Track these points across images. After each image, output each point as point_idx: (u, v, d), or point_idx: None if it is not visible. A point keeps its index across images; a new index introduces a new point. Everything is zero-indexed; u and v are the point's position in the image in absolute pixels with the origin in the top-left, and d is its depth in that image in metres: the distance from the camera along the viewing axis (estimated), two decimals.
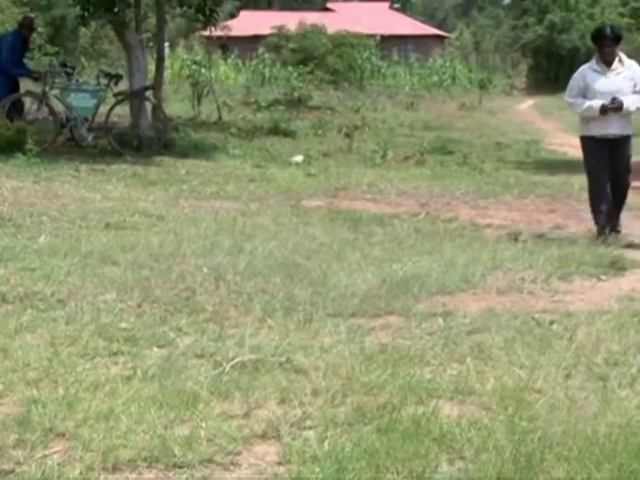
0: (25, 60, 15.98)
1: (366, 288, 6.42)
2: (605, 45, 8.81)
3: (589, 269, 7.50)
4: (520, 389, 4.44)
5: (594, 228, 8.98)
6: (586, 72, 8.96)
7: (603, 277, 7.35)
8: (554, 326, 5.64)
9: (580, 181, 11.58)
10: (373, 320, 5.73)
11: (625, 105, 8.72)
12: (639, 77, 8.85)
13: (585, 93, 8.87)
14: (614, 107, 8.67)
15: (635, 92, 8.81)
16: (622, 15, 54.96)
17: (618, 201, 9.01)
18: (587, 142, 9.03)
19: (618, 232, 8.94)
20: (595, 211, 9.02)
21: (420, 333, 5.43)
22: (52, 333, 5.15)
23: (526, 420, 4.05)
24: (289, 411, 4.13)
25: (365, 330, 5.45)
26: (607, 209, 8.86)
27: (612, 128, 8.84)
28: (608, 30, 8.89)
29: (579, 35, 54.44)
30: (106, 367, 4.67)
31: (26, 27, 15.49)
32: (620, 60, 8.87)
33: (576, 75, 9.06)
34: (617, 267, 7.69)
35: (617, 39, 8.89)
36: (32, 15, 18.64)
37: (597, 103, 8.74)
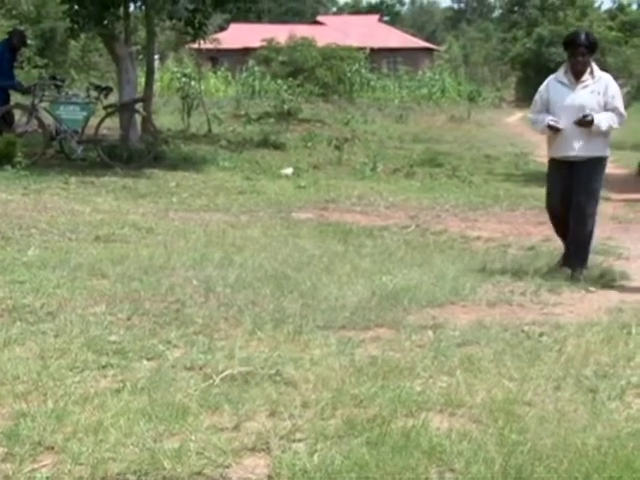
0: (14, 72, 15.97)
1: (356, 300, 6.41)
2: (577, 53, 7.67)
3: (578, 281, 7.52)
4: (510, 401, 4.45)
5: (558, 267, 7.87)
6: (551, 84, 7.87)
7: (592, 289, 7.37)
8: (543, 338, 5.65)
9: None
10: (363, 332, 5.72)
11: (595, 122, 7.57)
12: (611, 93, 7.72)
13: (548, 108, 7.81)
14: (582, 122, 7.57)
15: (608, 110, 7.68)
16: (611, 28, 55.28)
17: (577, 238, 7.70)
18: (549, 164, 8.02)
19: (578, 278, 7.55)
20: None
21: (410, 345, 5.43)
22: (41, 346, 5.14)
23: (516, 432, 4.05)
24: (279, 424, 4.12)
25: (355, 342, 5.45)
26: (565, 248, 7.83)
27: (574, 149, 7.67)
28: (582, 36, 7.77)
29: None
30: (95, 380, 4.66)
31: (16, 39, 15.49)
32: (591, 72, 7.74)
33: (541, 88, 7.99)
34: (606, 279, 7.72)
35: (592, 47, 7.76)
36: (22, 28, 18.62)
37: (548, 119, 7.69)
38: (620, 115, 7.72)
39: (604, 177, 7.92)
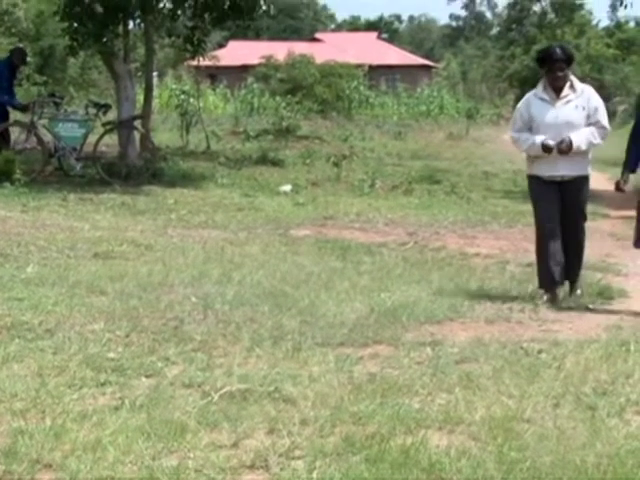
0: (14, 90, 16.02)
1: (354, 317, 6.41)
2: (555, 68, 7.34)
3: (581, 296, 7.52)
4: (509, 419, 4.44)
5: (538, 293, 7.48)
6: (531, 101, 7.55)
7: (591, 306, 7.37)
8: (542, 355, 5.65)
9: None
10: (362, 349, 5.72)
11: (575, 145, 7.29)
12: (594, 105, 7.42)
13: (531, 126, 7.47)
14: (562, 149, 7.29)
15: (590, 123, 7.38)
16: (608, 46, 55.47)
17: (573, 254, 7.59)
18: (533, 183, 7.63)
19: (577, 296, 7.51)
20: (541, 270, 7.55)
21: (409, 363, 5.43)
22: (39, 363, 5.13)
23: (515, 450, 4.05)
24: (277, 441, 4.11)
25: (353, 359, 5.44)
26: (557, 267, 7.46)
27: (562, 168, 7.41)
28: (558, 50, 7.44)
29: None
30: (94, 397, 4.65)
31: (16, 57, 15.54)
32: (572, 86, 7.42)
33: (520, 105, 7.72)
34: (605, 296, 7.71)
35: (569, 60, 7.46)
36: (22, 46, 18.68)
37: (541, 139, 7.37)
38: (602, 128, 7.42)
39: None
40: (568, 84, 7.41)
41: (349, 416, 4.43)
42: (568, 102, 7.38)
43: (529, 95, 7.62)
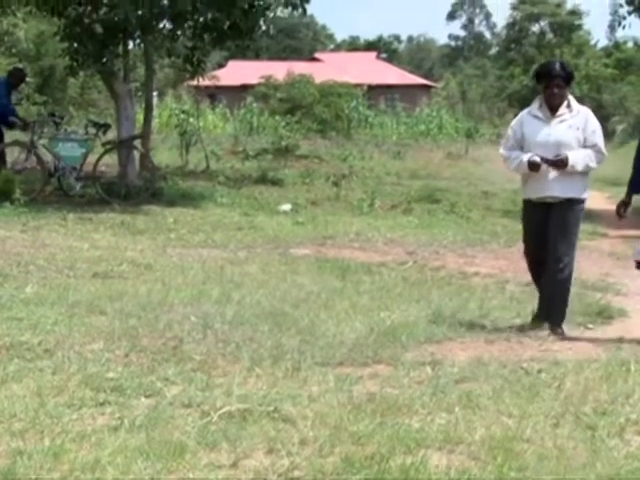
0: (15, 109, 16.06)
1: (354, 337, 6.41)
2: (553, 84, 6.99)
3: (577, 318, 7.52)
4: (509, 438, 4.43)
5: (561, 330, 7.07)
6: (525, 119, 7.21)
7: (590, 326, 7.37)
8: (542, 375, 5.64)
9: None
10: (361, 369, 5.71)
11: (571, 163, 6.93)
12: (591, 128, 7.07)
13: (522, 144, 7.13)
14: (555, 163, 6.93)
15: (586, 146, 7.03)
16: (607, 66, 55.67)
17: (552, 291, 7.08)
18: (524, 206, 7.34)
19: (558, 333, 6.96)
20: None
21: (408, 382, 5.42)
22: (38, 383, 5.12)
23: (515, 470, 4.03)
24: (277, 461, 4.10)
25: (353, 379, 5.43)
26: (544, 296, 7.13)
27: (552, 189, 7.02)
28: (557, 66, 7.10)
29: None
30: (93, 417, 4.64)
31: (14, 78, 15.60)
32: (568, 105, 7.08)
33: (514, 122, 7.36)
34: (604, 316, 7.71)
35: (568, 78, 7.10)
36: (21, 66, 18.73)
37: (527, 157, 7.01)
38: (599, 153, 7.08)
39: (581, 221, 7.28)
40: (565, 103, 7.07)
41: (349, 436, 4.42)
42: (562, 121, 7.04)
43: (523, 113, 7.30)
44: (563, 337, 6.87)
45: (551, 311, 7.06)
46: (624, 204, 7.13)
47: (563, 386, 5.34)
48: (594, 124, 7.13)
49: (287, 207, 15.47)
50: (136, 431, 4.42)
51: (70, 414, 4.64)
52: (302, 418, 4.65)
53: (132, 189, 15.05)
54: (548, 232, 7.03)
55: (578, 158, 6.98)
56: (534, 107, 7.18)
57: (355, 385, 5.33)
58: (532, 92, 52.15)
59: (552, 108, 7.07)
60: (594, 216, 12.96)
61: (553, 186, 7.02)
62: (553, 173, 6.99)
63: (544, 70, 7.16)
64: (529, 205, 7.23)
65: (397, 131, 42.41)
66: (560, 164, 6.95)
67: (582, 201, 7.14)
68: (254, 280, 8.68)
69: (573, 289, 8.63)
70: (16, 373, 5.31)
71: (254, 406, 4.79)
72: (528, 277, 9.47)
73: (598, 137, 7.10)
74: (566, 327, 7.08)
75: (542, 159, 6.94)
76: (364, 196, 16.80)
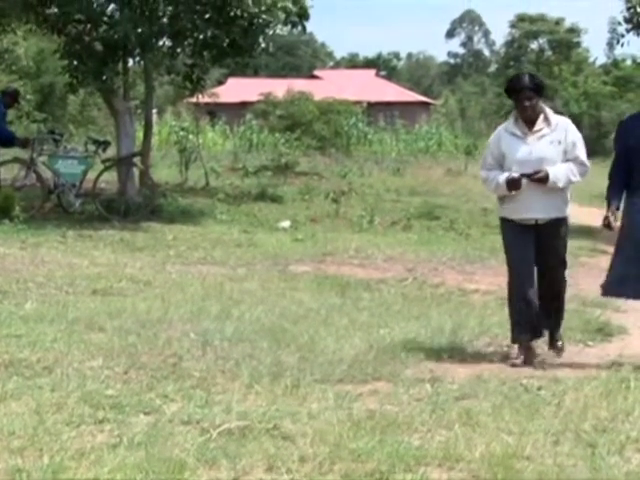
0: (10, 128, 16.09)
1: (354, 354, 6.40)
2: (522, 97, 6.61)
3: (576, 335, 7.51)
4: (508, 456, 4.42)
5: (511, 348, 6.87)
6: (502, 135, 6.80)
7: (590, 343, 7.36)
8: (542, 392, 5.63)
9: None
10: (361, 386, 5.71)
11: (551, 179, 6.57)
12: (572, 140, 6.71)
13: (502, 163, 6.73)
14: (536, 179, 6.57)
15: (568, 159, 6.68)
16: (605, 83, 55.80)
17: (550, 305, 6.86)
18: (505, 226, 6.87)
19: (558, 348, 6.90)
20: (513, 322, 6.82)
21: (408, 399, 5.41)
22: (37, 401, 5.11)
23: None
24: (276, 478, 4.09)
25: (353, 396, 5.43)
26: (531, 318, 6.74)
27: (535, 210, 6.66)
28: (526, 78, 6.71)
29: (563, 102, 55.14)
30: (92, 435, 4.63)
31: (8, 98, 15.63)
32: (546, 118, 6.70)
33: (491, 140, 6.94)
34: (604, 333, 7.70)
35: (538, 90, 6.70)
36: (15, 86, 18.80)
37: (504, 177, 6.64)
38: (582, 165, 6.71)
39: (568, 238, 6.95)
40: (541, 117, 6.69)
41: (348, 453, 4.41)
42: (542, 137, 6.65)
43: (499, 129, 6.89)
44: (563, 350, 6.89)
45: (548, 323, 6.90)
46: (609, 217, 6.74)
47: (563, 403, 5.33)
48: (574, 135, 6.77)
49: (286, 224, 15.47)
50: (135, 448, 4.41)
51: (69, 431, 4.63)
52: (302, 435, 4.64)
53: (132, 206, 15.06)
54: (537, 254, 6.73)
55: (559, 174, 6.61)
56: (510, 123, 6.80)
57: (355, 402, 5.32)
58: None
59: (528, 123, 6.69)
60: (594, 233, 12.95)
61: (534, 206, 6.64)
62: (535, 193, 6.58)
63: (512, 84, 6.80)
64: (509, 224, 6.80)
65: (396, 148, 42.45)
66: (540, 181, 6.57)
67: (567, 218, 6.83)
68: (253, 297, 8.68)
69: (572, 306, 8.66)
70: (15, 390, 5.30)
71: (253, 423, 4.78)
72: None
73: (579, 149, 6.74)
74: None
75: (521, 175, 6.58)
76: (363, 213, 16.80)
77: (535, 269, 6.84)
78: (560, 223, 6.76)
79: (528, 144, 6.66)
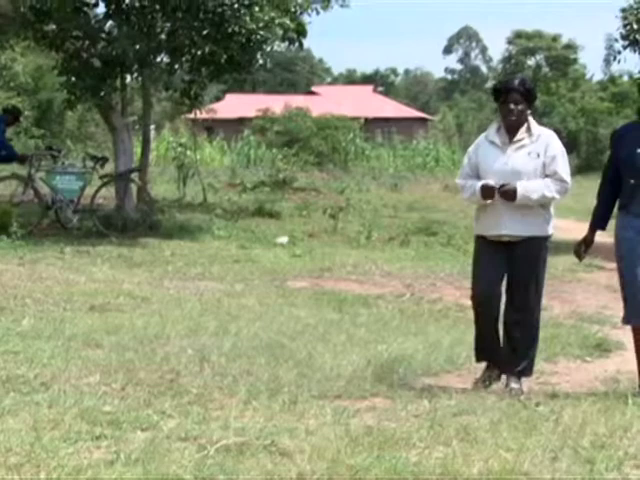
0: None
1: (351, 370, 6.39)
2: (509, 99, 6.15)
3: (574, 350, 7.52)
4: (507, 472, 4.41)
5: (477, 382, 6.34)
6: (481, 144, 6.38)
7: (588, 359, 7.36)
8: (540, 408, 5.62)
9: (563, 262, 11.63)
10: (358, 402, 5.70)
11: (520, 193, 6.05)
12: (552, 153, 6.15)
13: (478, 173, 6.29)
14: (501, 192, 6.09)
15: (546, 175, 6.14)
16: (602, 99, 55.97)
17: (517, 342, 6.17)
18: (477, 243, 6.44)
19: (512, 388, 6.12)
20: (477, 346, 6.41)
21: (406, 415, 5.40)
22: (34, 417, 5.10)
23: None
24: None
25: (350, 412, 5.41)
26: (494, 347, 6.25)
27: (508, 226, 6.13)
28: (516, 81, 6.23)
29: (560, 119, 55.31)
30: (89, 451, 4.61)
31: (10, 114, 15.67)
32: (528, 129, 6.21)
33: (470, 149, 6.52)
34: (602, 349, 7.71)
35: (527, 95, 6.21)
36: (16, 105, 18.85)
37: (480, 184, 6.19)
38: (561, 182, 6.16)
39: (547, 262, 6.35)
40: (524, 127, 6.20)
41: (346, 469, 4.39)
42: (521, 147, 6.18)
43: (480, 138, 6.48)
44: (520, 394, 6.00)
45: (511, 365, 6.17)
46: (585, 243, 6.27)
47: (561, 419, 5.32)
48: (555, 149, 6.22)
49: (284, 239, 15.49)
50: (132, 465, 4.39)
51: (66, 448, 4.62)
52: (299, 452, 4.63)
53: (129, 222, 15.07)
54: (509, 276, 6.20)
55: (530, 189, 6.08)
56: (491, 131, 6.35)
57: (352, 418, 5.31)
58: None
59: (510, 131, 6.20)
60: (592, 249, 12.93)
61: (510, 223, 6.13)
62: (510, 208, 6.09)
63: (501, 84, 6.38)
64: (482, 242, 6.33)
65: (394, 164, 42.53)
66: (507, 195, 6.09)
67: (546, 238, 6.24)
68: (251, 312, 8.67)
69: (570, 321, 8.66)
70: (12, 407, 5.28)
71: (251, 439, 4.77)
72: None
73: (559, 164, 6.19)
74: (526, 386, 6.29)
75: (492, 186, 6.12)
76: (361, 228, 16.82)
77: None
78: (535, 243, 6.16)
79: (505, 155, 6.19)
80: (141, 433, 4.92)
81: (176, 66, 16.79)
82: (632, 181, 6.01)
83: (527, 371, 6.26)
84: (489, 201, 6.15)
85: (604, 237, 6.52)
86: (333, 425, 5.12)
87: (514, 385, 6.12)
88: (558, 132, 7.03)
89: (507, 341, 6.23)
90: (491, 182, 6.13)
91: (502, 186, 6.09)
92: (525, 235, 6.12)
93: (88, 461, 4.45)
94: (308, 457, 4.54)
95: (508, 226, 6.11)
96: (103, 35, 15.93)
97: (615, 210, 6.27)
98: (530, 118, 6.23)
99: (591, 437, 4.99)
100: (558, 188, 6.16)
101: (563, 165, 6.20)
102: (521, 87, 6.16)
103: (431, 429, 5.08)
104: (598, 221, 6.25)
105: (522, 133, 6.20)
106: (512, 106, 6.13)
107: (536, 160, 6.13)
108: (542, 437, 4.97)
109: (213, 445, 4.66)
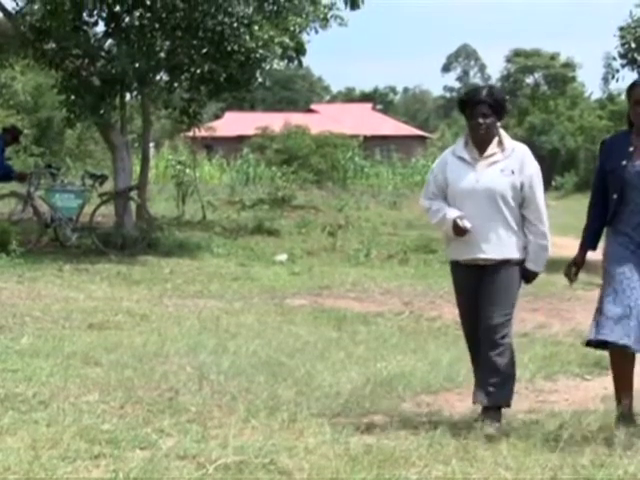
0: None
1: (350, 387, 6.38)
2: (477, 113, 5.62)
3: (573, 368, 7.50)
4: None
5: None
6: (448, 160, 5.82)
7: (588, 377, 7.34)
8: (539, 426, 5.60)
9: (562, 280, 11.61)
10: (358, 420, 5.68)
11: (539, 270, 5.73)
12: (527, 170, 5.64)
13: (446, 192, 5.76)
14: (457, 231, 5.63)
15: (522, 204, 5.63)
16: (601, 117, 56.09)
17: (490, 372, 5.64)
18: (453, 270, 5.92)
19: (493, 421, 5.54)
20: (474, 368, 5.92)
21: (405, 433, 5.39)
22: (33, 436, 5.08)
23: None
24: None
25: (350, 430, 5.40)
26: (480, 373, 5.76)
27: (483, 250, 5.64)
28: (484, 92, 5.67)
29: (559, 137, 55.43)
30: (87, 470, 4.60)
31: (10, 134, 15.71)
32: (500, 143, 5.68)
33: (435, 164, 5.99)
34: (601, 366, 7.68)
35: (496, 106, 5.67)
36: (16, 125, 18.90)
37: (453, 215, 5.63)
38: (541, 224, 5.69)
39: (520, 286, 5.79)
40: (496, 140, 5.68)
41: None
42: (493, 163, 5.65)
43: (446, 152, 5.92)
44: (498, 429, 5.47)
45: (491, 391, 5.64)
46: (575, 264, 5.81)
47: (560, 438, 5.30)
48: (531, 167, 5.70)
49: (283, 257, 15.49)
50: None
51: (65, 467, 4.60)
52: (298, 470, 4.62)
53: (128, 240, 15.08)
54: (480, 298, 5.68)
55: (539, 261, 5.72)
56: (459, 146, 5.80)
57: (352, 436, 5.29)
58: (527, 143, 52.49)
59: (479, 146, 5.68)
60: (590, 266, 12.90)
61: (484, 246, 5.64)
62: (485, 230, 5.61)
63: (466, 96, 5.81)
64: (457, 268, 5.84)
65: (393, 181, 42.54)
66: (459, 231, 5.64)
67: (521, 261, 5.70)
68: (250, 330, 8.67)
69: (569, 339, 8.65)
70: (10, 425, 5.27)
71: (250, 458, 4.76)
72: (523, 328, 9.49)
73: (537, 192, 5.67)
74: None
75: (467, 229, 5.61)
76: (360, 246, 16.83)
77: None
78: (512, 265, 5.66)
79: (476, 171, 5.65)
80: (140, 452, 4.91)
81: (175, 84, 16.85)
82: (615, 196, 5.57)
83: (504, 399, 5.69)
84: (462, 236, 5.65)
85: (595, 255, 6.33)
86: (332, 443, 5.11)
87: (491, 425, 5.50)
88: (532, 145, 6.61)
89: (485, 372, 5.69)
90: (467, 224, 5.60)
91: (460, 218, 5.61)
92: (500, 258, 5.63)
93: None
94: (307, 476, 4.53)
95: (483, 250, 5.64)
96: (102, 54, 15.99)
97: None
98: (501, 131, 5.72)
99: (591, 456, 4.98)
100: (544, 237, 5.69)
101: (539, 189, 5.69)
102: (489, 98, 5.63)
103: (430, 447, 5.07)
104: (588, 241, 5.84)
105: (493, 148, 5.68)
106: (480, 120, 5.62)
107: (510, 177, 5.60)
108: (541, 456, 4.95)
109: (212, 464, 4.65)
